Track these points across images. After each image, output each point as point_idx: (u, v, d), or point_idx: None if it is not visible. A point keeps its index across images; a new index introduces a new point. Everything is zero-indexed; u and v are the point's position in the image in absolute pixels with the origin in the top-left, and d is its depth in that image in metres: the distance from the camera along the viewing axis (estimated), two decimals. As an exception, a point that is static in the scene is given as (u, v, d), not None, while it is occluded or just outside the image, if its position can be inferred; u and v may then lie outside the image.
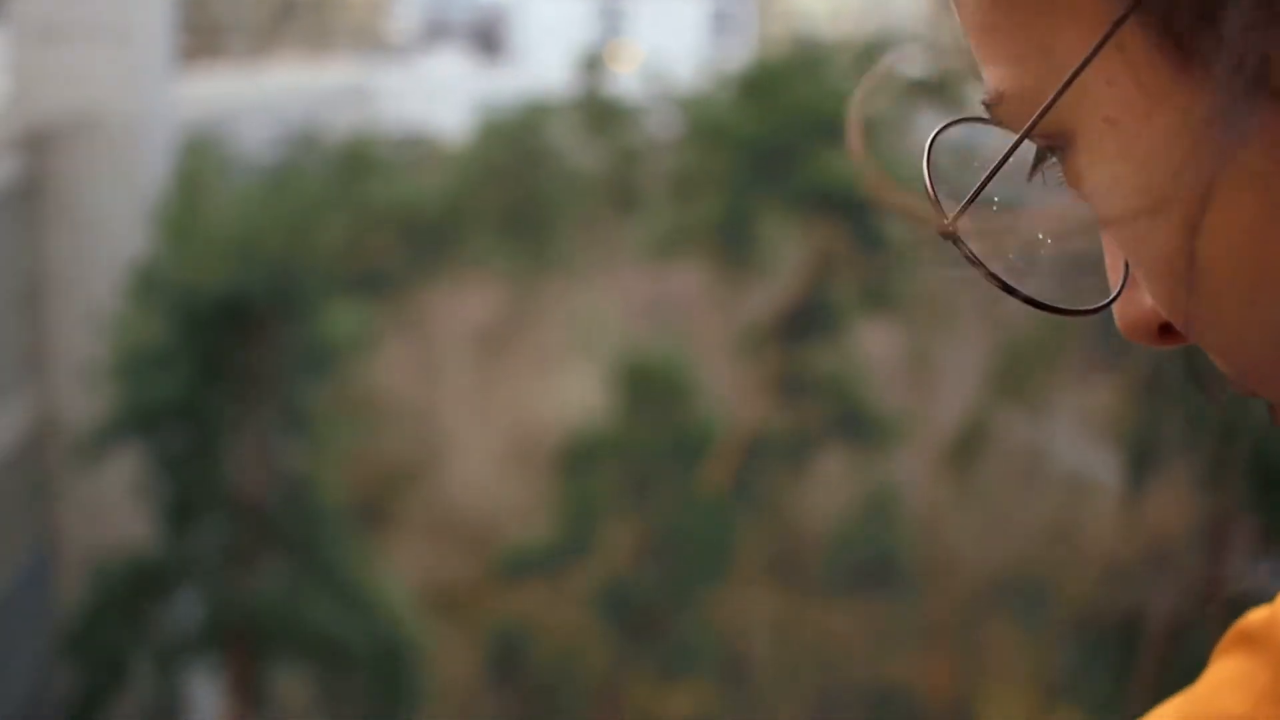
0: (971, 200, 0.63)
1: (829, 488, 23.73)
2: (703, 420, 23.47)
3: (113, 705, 18.49)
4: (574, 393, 28.36)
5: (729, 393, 27.48)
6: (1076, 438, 21.39)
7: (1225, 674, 0.76)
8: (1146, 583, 16.71)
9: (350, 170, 30.50)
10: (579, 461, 23.51)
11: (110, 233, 23.33)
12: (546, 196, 35.08)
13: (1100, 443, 19.45)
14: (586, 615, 23.19)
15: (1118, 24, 0.54)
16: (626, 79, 44.08)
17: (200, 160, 22.12)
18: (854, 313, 24.49)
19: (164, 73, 27.37)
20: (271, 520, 18.63)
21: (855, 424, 22.90)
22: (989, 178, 0.63)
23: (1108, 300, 0.66)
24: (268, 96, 50.50)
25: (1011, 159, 0.61)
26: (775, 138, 25.01)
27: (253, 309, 18.59)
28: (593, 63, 39.63)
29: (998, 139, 0.63)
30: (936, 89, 32.81)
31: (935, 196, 0.66)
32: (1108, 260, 0.65)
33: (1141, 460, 17.61)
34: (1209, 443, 15.75)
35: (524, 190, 35.09)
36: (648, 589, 21.55)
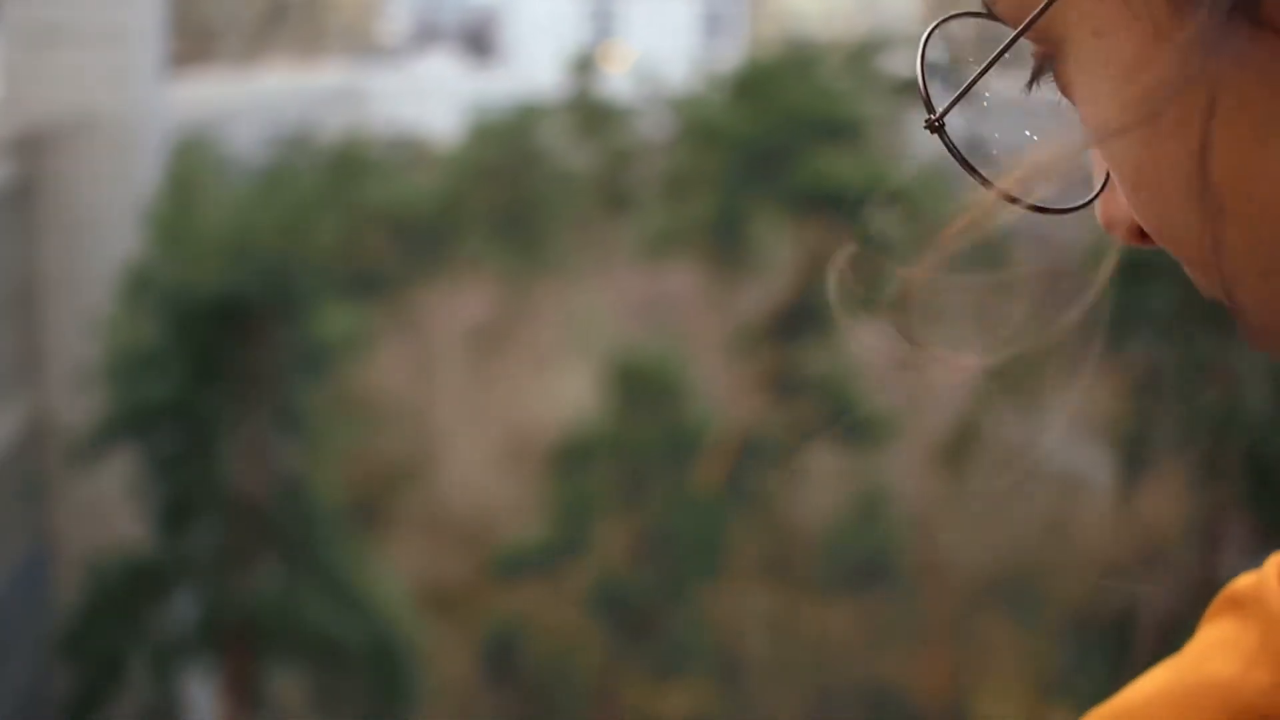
0: (961, 95, 0.64)
1: (824, 486, 23.71)
2: (697, 420, 23.45)
3: (110, 705, 18.44)
4: (568, 392, 28.33)
5: (723, 392, 27.46)
6: (1071, 436, 21.40)
7: (1213, 638, 0.75)
8: (1141, 580, 16.70)
9: (343, 171, 30.48)
10: (573, 461, 23.50)
11: (104, 234, 23.32)
12: (540, 197, 35.06)
13: (1094, 441, 19.42)
14: (582, 614, 23.17)
15: None
16: (618, 80, 44.04)
17: (193, 162, 22.13)
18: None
19: (157, 75, 27.40)
20: (267, 520, 18.59)
21: (849, 423, 22.89)
22: (981, 73, 0.63)
23: (1089, 198, 0.70)
24: (260, 98, 50.43)
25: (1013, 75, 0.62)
26: (768, 138, 25.00)
27: (247, 309, 18.57)
28: (584, 64, 39.61)
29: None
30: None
31: (926, 92, 0.67)
32: (1094, 162, 0.68)
33: (1135, 458, 17.59)
34: (1203, 440, 15.74)
35: (517, 191, 35.07)
36: (642, 588, 21.53)
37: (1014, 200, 0.67)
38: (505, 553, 23.56)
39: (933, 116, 0.67)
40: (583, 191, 36.99)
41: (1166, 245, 0.64)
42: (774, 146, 25.12)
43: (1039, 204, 0.68)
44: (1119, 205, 0.67)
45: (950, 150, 0.68)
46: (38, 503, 21.87)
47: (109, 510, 21.02)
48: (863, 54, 33.35)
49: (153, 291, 18.79)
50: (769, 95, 25.83)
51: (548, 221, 35.28)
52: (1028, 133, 0.66)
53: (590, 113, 37.70)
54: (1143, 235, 0.67)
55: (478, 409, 28.54)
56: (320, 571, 18.36)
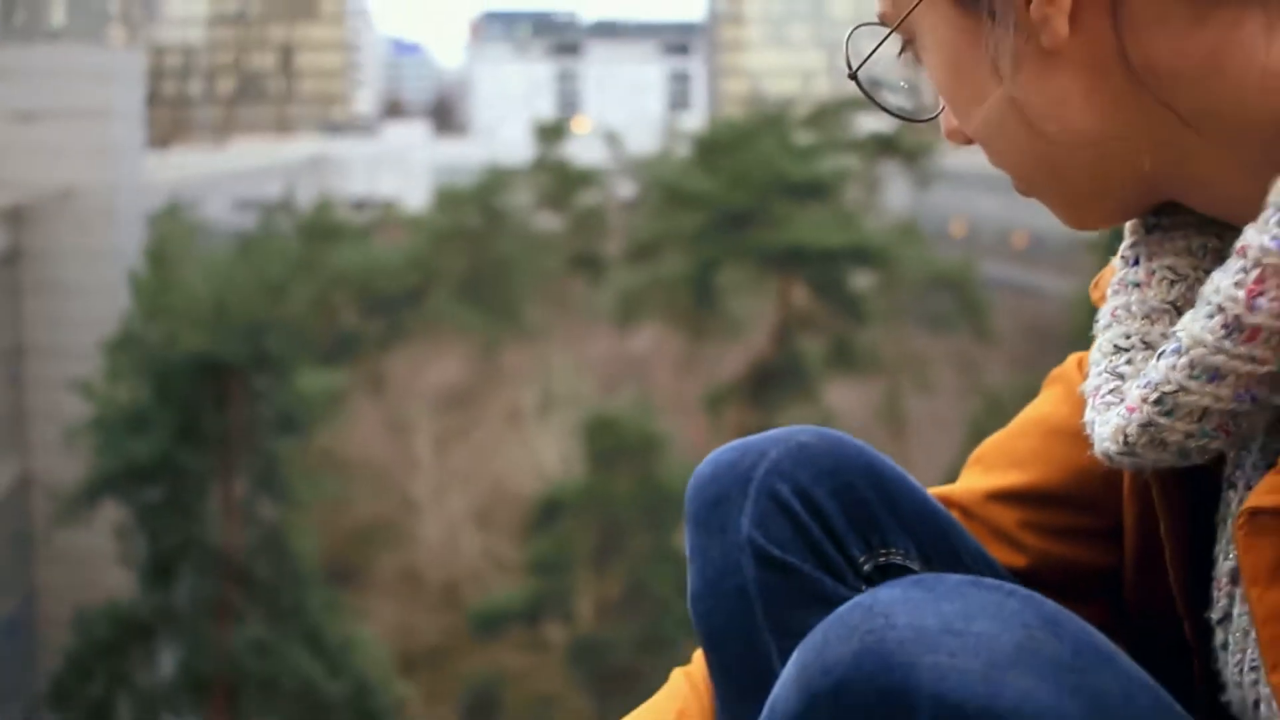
0: (866, 60, 0.97)
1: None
2: (672, 475, 23.41)
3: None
4: (543, 451, 28.29)
5: (697, 449, 27.40)
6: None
7: (1042, 397, 1.20)
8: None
9: (316, 238, 30.65)
10: (549, 518, 23.46)
11: (88, 300, 23.74)
12: (509, 260, 35.11)
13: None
14: (560, 669, 23.08)
15: (917, 2, 0.92)
16: (585, 144, 44.20)
17: (172, 231, 22.55)
18: (822, 369, 24.45)
19: (137, 149, 28.02)
20: (249, 575, 18.66)
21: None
22: (876, 48, 0.97)
23: (934, 115, 1.01)
24: (235, 169, 50.61)
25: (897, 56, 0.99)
26: (736, 198, 25.06)
27: (228, 371, 18.77)
28: (551, 130, 39.82)
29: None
30: (894, 141, 33.01)
31: (850, 63, 0.99)
32: (938, 96, 0.99)
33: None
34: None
35: (486, 254, 35.12)
36: (620, 643, 21.42)
37: (894, 113, 1.02)
38: (483, 609, 23.48)
39: (849, 71, 0.99)
40: (552, 253, 37.08)
41: (984, 149, 0.97)
42: (742, 206, 25.19)
43: (912, 116, 1.04)
44: (951, 121, 0.98)
45: (862, 89, 0.99)
46: (25, 557, 21.97)
47: (95, 564, 21.11)
48: (826, 113, 33.59)
49: (136, 354, 19.03)
50: (735, 156, 25.94)
51: (518, 284, 35.32)
52: (901, 83, 1.03)
53: (558, 177, 37.84)
54: (967, 140, 0.98)
55: (453, 468, 28.48)
56: (300, 625, 18.39)
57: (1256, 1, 0.83)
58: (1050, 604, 0.83)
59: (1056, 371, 1.18)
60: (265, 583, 18.72)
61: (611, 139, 41.24)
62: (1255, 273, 0.78)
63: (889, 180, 34.86)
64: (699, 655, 1.15)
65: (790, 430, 1.07)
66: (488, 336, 33.39)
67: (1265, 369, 0.80)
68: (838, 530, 1.05)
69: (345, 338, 32.95)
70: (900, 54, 0.97)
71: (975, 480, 1.19)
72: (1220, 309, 0.80)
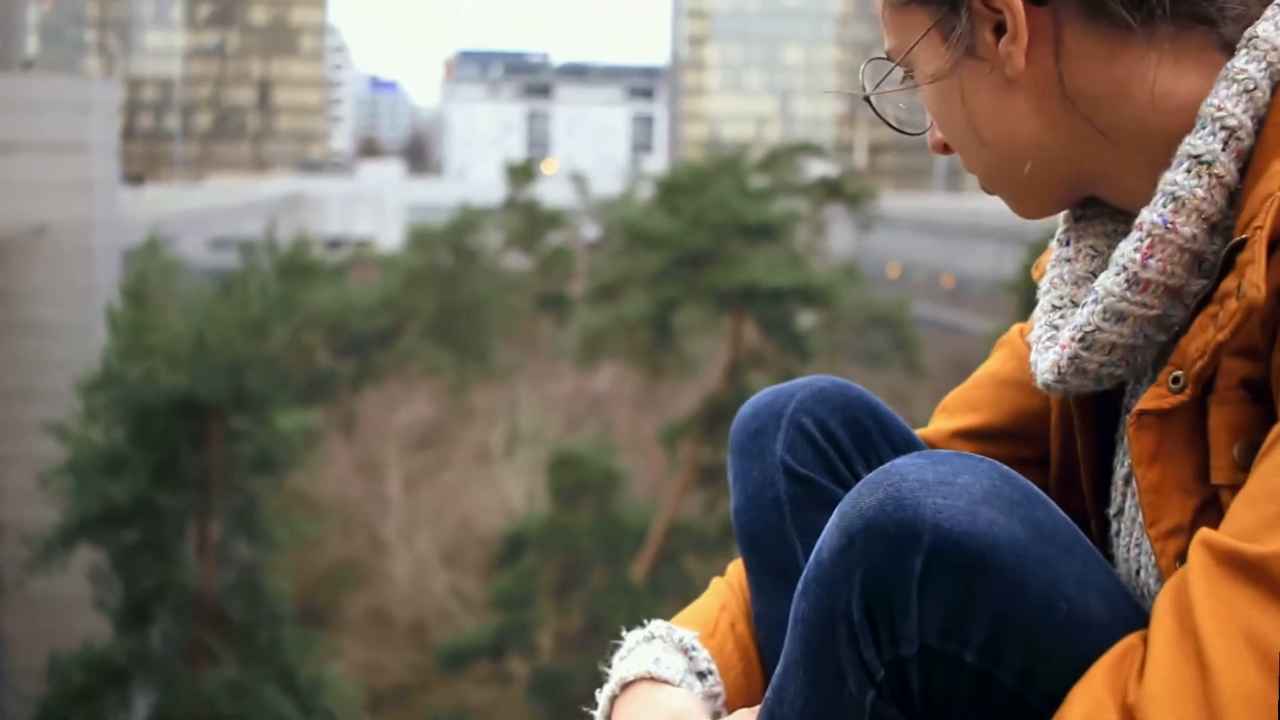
0: (877, 86, 1.25)
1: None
2: (629, 511, 23.65)
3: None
4: (508, 488, 28.50)
5: (657, 485, 27.71)
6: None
7: (992, 358, 1.48)
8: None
9: (293, 276, 30.51)
10: (514, 554, 23.57)
11: (62, 340, 23.28)
12: (480, 300, 35.28)
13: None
14: (523, 703, 23.17)
15: (915, 43, 1.18)
16: (553, 185, 44.48)
17: (151, 267, 22.05)
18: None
19: (113, 184, 27.36)
20: (223, 615, 18.52)
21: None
22: (885, 77, 1.24)
23: (924, 130, 1.27)
24: (211, 206, 50.66)
25: (900, 80, 1.24)
26: (694, 239, 25.36)
27: (206, 410, 18.51)
28: (521, 171, 40.05)
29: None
30: (839, 185, 33.47)
31: (864, 88, 1.26)
32: (929, 115, 1.26)
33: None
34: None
35: (458, 294, 35.28)
36: (579, 673, 21.63)
37: (892, 126, 1.29)
38: (450, 646, 23.55)
39: (865, 94, 1.25)
40: (520, 293, 37.30)
41: (960, 155, 1.23)
42: (700, 247, 25.49)
43: (906, 129, 1.30)
44: (936, 135, 1.24)
45: (872, 108, 1.26)
46: (-1, 600, 21.74)
47: (65, 610, 20.92)
48: (778, 158, 34.03)
49: (114, 392, 18.63)
50: (695, 198, 26.24)
51: (487, 323, 35.51)
52: (901, 105, 1.26)
53: (527, 217, 38.06)
54: (947, 148, 1.25)
55: (422, 507, 28.61)
56: (274, 665, 18.28)
57: (1153, 44, 1.10)
58: (1006, 467, 1.08)
59: (1003, 338, 1.46)
60: (240, 623, 18.55)
61: (578, 180, 41.57)
62: (1147, 241, 1.08)
63: (834, 223, 35.40)
64: (733, 566, 1.41)
65: (811, 379, 1.38)
66: (457, 376, 33.53)
67: (1153, 313, 1.11)
68: (847, 452, 1.35)
69: (320, 377, 33.09)
70: (902, 81, 1.22)
71: (941, 423, 1.47)
72: (1124, 268, 1.09)
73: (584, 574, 23.01)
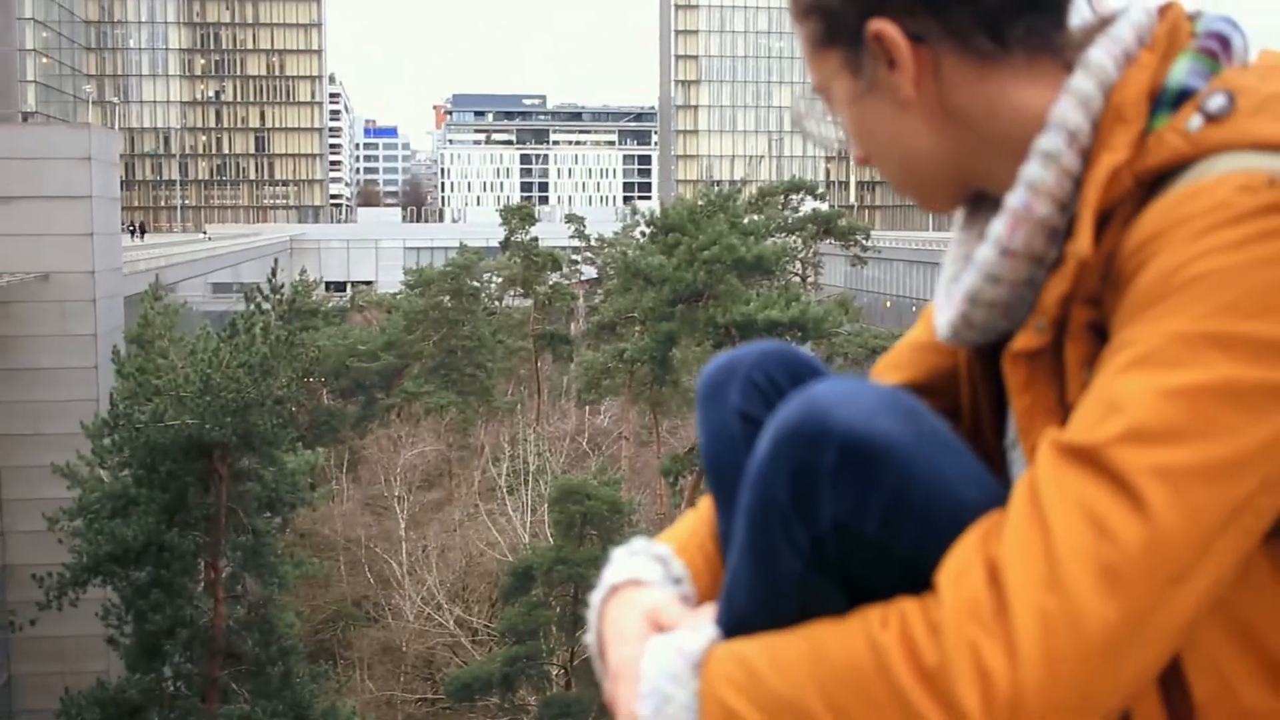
0: (808, 116, 1.44)
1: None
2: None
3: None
4: (515, 523, 28.51)
5: (661, 516, 27.71)
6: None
7: (913, 327, 1.61)
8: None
9: (295, 319, 30.55)
10: (520, 586, 23.57)
11: (67, 386, 23.34)
12: (481, 340, 35.37)
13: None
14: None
15: (830, 79, 1.35)
16: (550, 226, 44.61)
17: (153, 313, 22.10)
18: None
19: (115, 232, 27.39)
20: (235, 652, 18.53)
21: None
22: (814, 108, 1.43)
23: (845, 146, 1.44)
24: (211, 252, 50.76)
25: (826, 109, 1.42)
26: (689, 275, 25.47)
27: (214, 450, 18.57)
28: (518, 213, 40.23)
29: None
30: (827, 221, 33.52)
31: (798, 118, 1.45)
32: (848, 134, 1.42)
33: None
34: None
35: (459, 334, 35.37)
36: (587, 702, 21.59)
37: (829, 144, 1.47)
38: (459, 679, 23.52)
39: (795, 123, 1.47)
40: (520, 332, 37.36)
41: (876, 166, 1.39)
42: (696, 284, 25.61)
43: (836, 148, 1.47)
44: (858, 150, 1.39)
45: (804, 132, 1.46)
46: (5, 640, 21.74)
47: (72, 652, 20.90)
48: (768, 195, 34.15)
49: (123, 434, 18.66)
50: (689, 236, 26.37)
51: (488, 363, 35.57)
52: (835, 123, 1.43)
53: (525, 258, 38.20)
54: (866, 160, 1.39)
55: (428, 543, 28.61)
56: (286, 700, 18.29)
57: (1012, 69, 1.30)
58: (901, 391, 1.28)
59: (924, 310, 1.62)
60: (252, 659, 18.59)
61: (574, 221, 41.72)
62: (1010, 220, 1.28)
63: (828, 259, 35.46)
64: (704, 498, 1.60)
65: (764, 343, 1.58)
66: (460, 414, 33.57)
67: (1021, 275, 1.31)
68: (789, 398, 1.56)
69: (324, 417, 33.04)
70: (828, 107, 1.42)
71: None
72: (995, 241, 1.29)
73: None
